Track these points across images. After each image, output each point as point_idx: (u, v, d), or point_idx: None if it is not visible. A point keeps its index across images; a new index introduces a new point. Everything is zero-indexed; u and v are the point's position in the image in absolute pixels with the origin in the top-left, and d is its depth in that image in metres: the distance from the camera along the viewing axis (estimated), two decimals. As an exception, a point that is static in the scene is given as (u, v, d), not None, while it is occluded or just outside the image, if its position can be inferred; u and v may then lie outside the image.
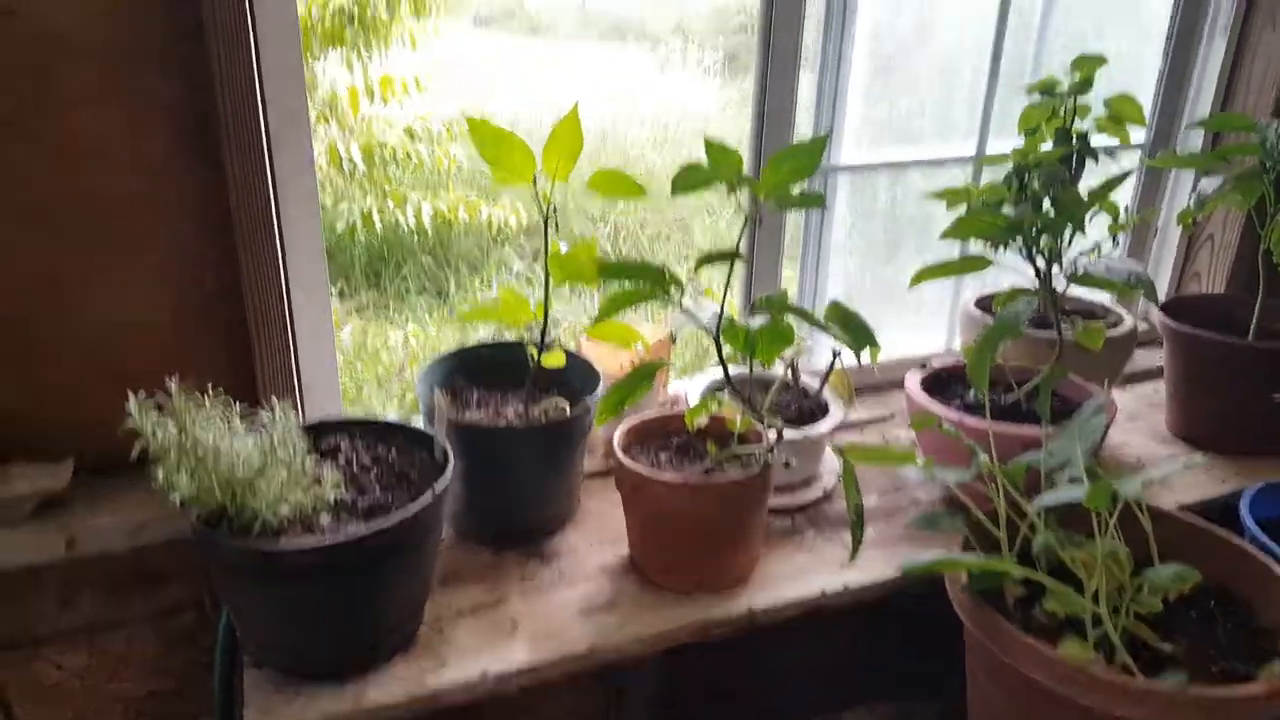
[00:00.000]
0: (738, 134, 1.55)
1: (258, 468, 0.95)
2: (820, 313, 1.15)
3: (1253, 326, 1.54)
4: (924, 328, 1.92)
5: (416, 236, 3.95)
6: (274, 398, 1.03)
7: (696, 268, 1.06)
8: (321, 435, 1.17)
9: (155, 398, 0.94)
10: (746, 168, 1.61)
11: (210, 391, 1.00)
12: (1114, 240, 1.42)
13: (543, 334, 1.27)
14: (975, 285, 1.80)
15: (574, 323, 1.50)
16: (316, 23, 3.36)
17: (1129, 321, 1.58)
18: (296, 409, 1.33)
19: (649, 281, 1.02)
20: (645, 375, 1.11)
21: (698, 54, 8.17)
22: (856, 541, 1.09)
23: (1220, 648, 1.03)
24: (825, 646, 1.64)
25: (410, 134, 3.84)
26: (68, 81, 1.12)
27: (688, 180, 1.08)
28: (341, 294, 3.99)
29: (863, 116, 1.70)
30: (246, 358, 1.26)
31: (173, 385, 0.93)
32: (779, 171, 1.07)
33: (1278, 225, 1.44)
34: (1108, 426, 1.26)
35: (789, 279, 1.98)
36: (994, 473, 1.11)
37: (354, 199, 3.80)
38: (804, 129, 1.63)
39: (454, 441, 1.20)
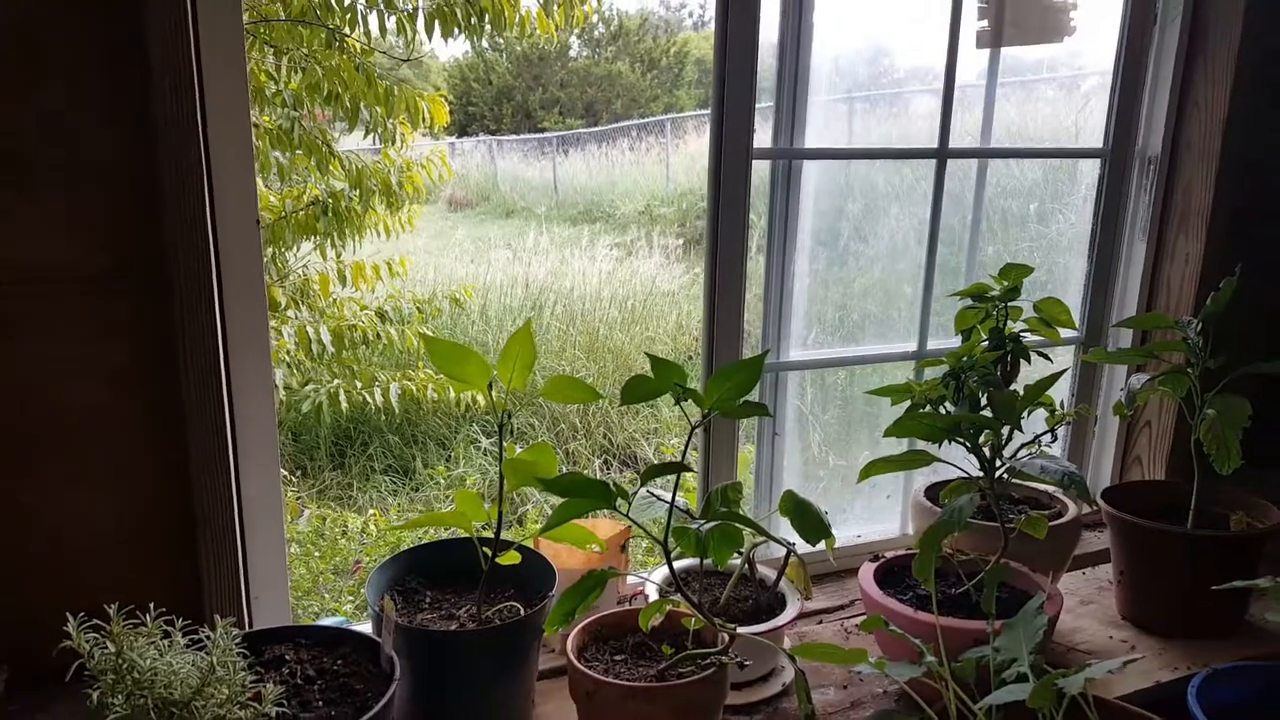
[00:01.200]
0: (699, 313, 1.64)
1: (195, 688, 0.94)
2: (775, 499, 1.19)
3: (1190, 513, 1.59)
4: (880, 515, 1.96)
5: (384, 415, 3.99)
6: (216, 616, 1.02)
7: (644, 481, 1.10)
8: (265, 645, 1.16)
9: (93, 620, 0.94)
10: (700, 372, 1.69)
11: (152, 609, 0.99)
12: (1052, 434, 1.49)
13: (496, 535, 1.28)
14: (926, 472, 1.85)
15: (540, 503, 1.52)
16: (290, 214, 3.52)
17: (1073, 510, 1.63)
18: (244, 616, 1.32)
19: (595, 497, 1.05)
20: (595, 584, 1.13)
21: (662, 238, 8.60)
22: (809, 752, 1.08)
23: None
24: None
25: (381, 316, 3.95)
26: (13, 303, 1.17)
27: (635, 392, 1.14)
28: (304, 472, 3.98)
29: (809, 304, 1.80)
30: (193, 570, 1.27)
31: (112, 610, 0.93)
32: (722, 387, 1.13)
33: (1205, 418, 1.51)
34: (1053, 621, 1.28)
35: (747, 456, 2.03)
36: (942, 674, 1.13)
37: (322, 380, 3.85)
38: (753, 314, 1.72)
39: (404, 647, 1.19)
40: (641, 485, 1.10)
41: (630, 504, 1.09)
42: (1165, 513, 1.60)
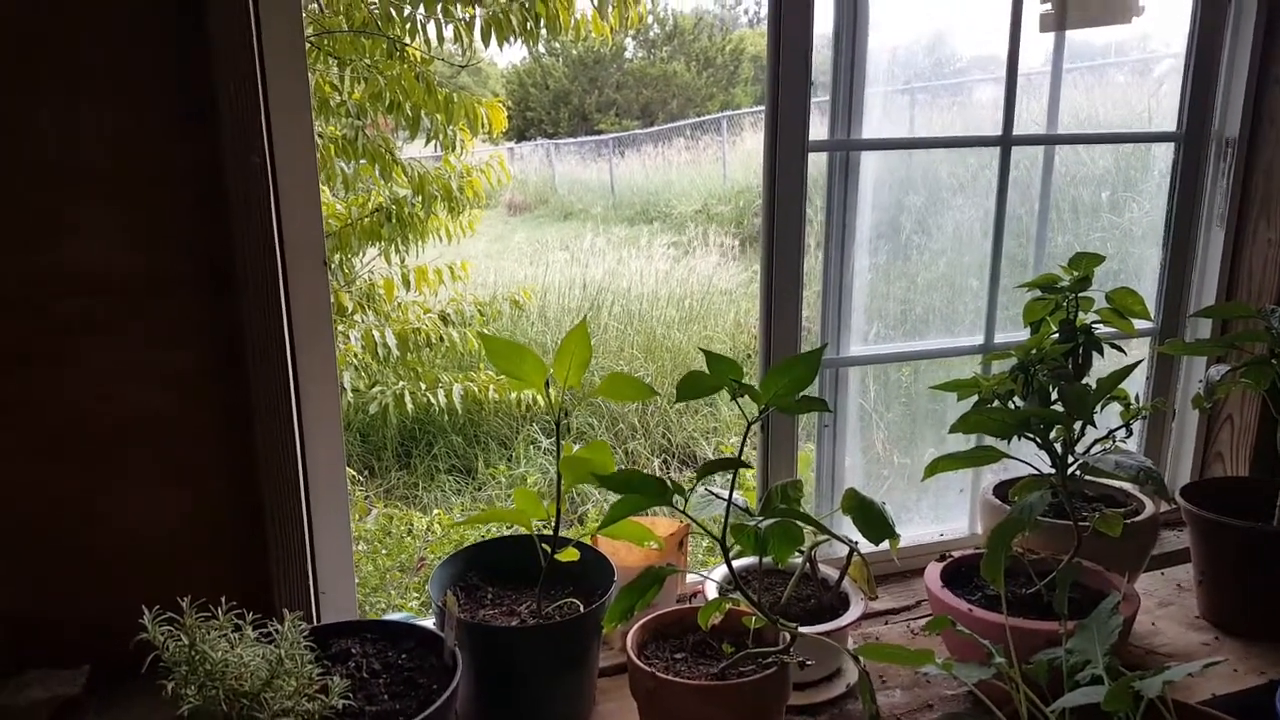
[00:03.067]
0: (757, 311, 1.62)
1: (265, 680, 0.96)
2: (837, 497, 1.17)
3: (1278, 510, 1.52)
4: (946, 514, 1.91)
5: (447, 416, 4.05)
6: (285, 610, 1.04)
7: (699, 477, 1.09)
8: (332, 639, 1.18)
9: (168, 613, 0.97)
10: (757, 368, 1.67)
11: (223, 603, 1.02)
12: (1127, 429, 1.43)
13: (555, 532, 1.29)
14: (996, 469, 1.80)
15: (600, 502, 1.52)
16: (355, 221, 3.60)
17: (1150, 508, 1.57)
18: (311, 610, 1.34)
19: (649, 493, 1.05)
20: (653, 581, 1.12)
21: (720, 236, 8.57)
22: (872, 753, 1.06)
23: None
24: None
25: (443, 319, 4.01)
26: (86, 308, 1.21)
27: (691, 388, 1.13)
28: (371, 471, 4.06)
29: (870, 300, 1.77)
30: (263, 566, 1.29)
31: (185, 604, 0.96)
32: (779, 382, 1.12)
33: (1291, 409, 1.45)
34: (1128, 622, 1.24)
35: (808, 455, 2.00)
36: (1012, 675, 1.09)
37: (388, 383, 3.93)
38: (811, 311, 1.70)
39: (466, 641, 1.20)
40: (698, 482, 1.09)
41: (687, 500, 1.09)
42: (1249, 510, 1.53)
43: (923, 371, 1.89)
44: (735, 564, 1.54)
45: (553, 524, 1.30)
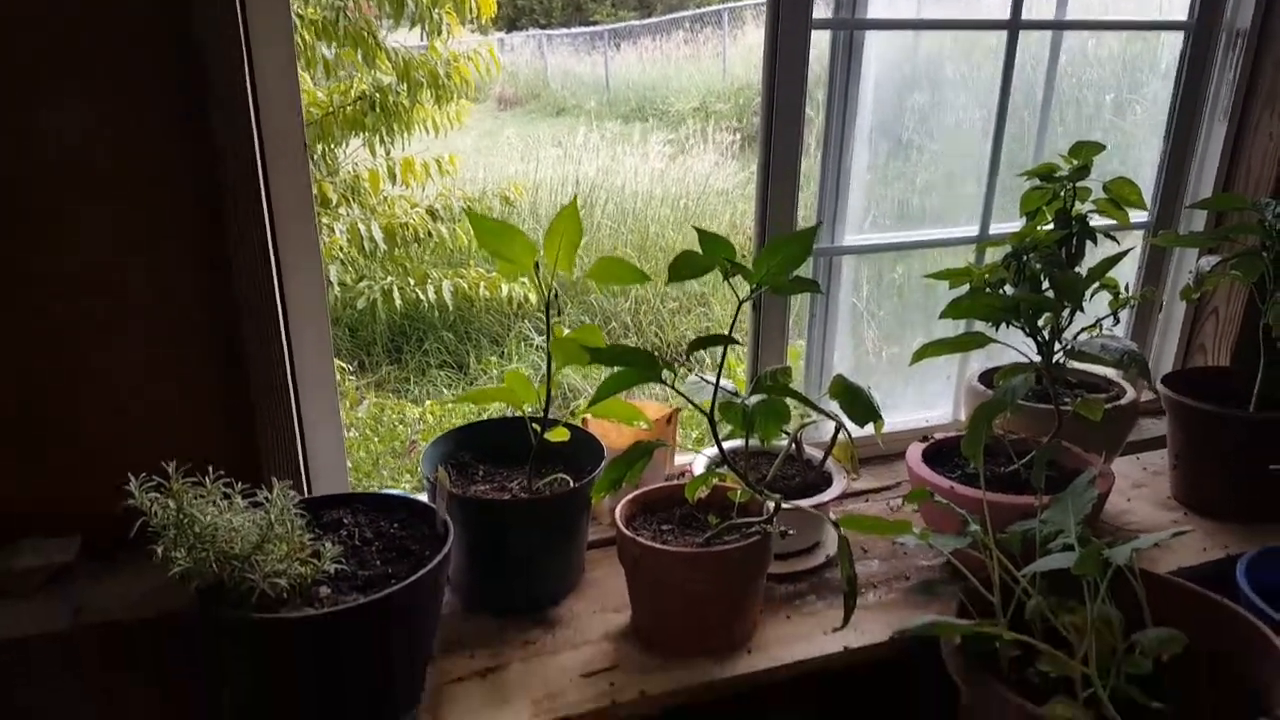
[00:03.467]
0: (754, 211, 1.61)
1: (255, 543, 0.98)
2: (825, 387, 1.18)
3: (1254, 398, 1.54)
4: (931, 401, 1.94)
5: (437, 312, 4.04)
6: (273, 477, 1.06)
7: (689, 352, 1.10)
8: (324, 510, 1.21)
9: (156, 480, 0.98)
10: (754, 249, 1.66)
11: (211, 472, 1.04)
12: (1115, 317, 1.45)
13: (545, 412, 1.31)
14: (981, 358, 1.82)
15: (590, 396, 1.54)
16: (338, 109, 3.50)
17: (1130, 394, 1.60)
18: (303, 485, 1.37)
19: (639, 366, 1.06)
20: (642, 454, 1.14)
21: (718, 134, 8.38)
22: (849, 610, 1.10)
23: (1212, 708, 1.03)
24: (828, 705, 1.63)
25: (432, 214, 3.96)
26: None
27: (684, 268, 1.13)
28: (362, 366, 4.07)
29: (866, 199, 1.75)
30: (250, 439, 1.31)
31: (170, 468, 0.97)
32: (772, 259, 1.11)
33: (1277, 302, 1.46)
34: (1103, 497, 1.27)
35: (796, 351, 2.02)
36: (987, 543, 1.13)
37: (375, 277, 3.90)
38: (808, 211, 1.69)
39: (459, 515, 1.23)
40: (688, 355, 1.10)
41: (676, 375, 1.10)
42: (1227, 398, 1.56)
43: (915, 270, 1.88)
44: (723, 446, 1.58)
45: (543, 406, 1.31)
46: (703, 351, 1.15)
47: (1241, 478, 1.55)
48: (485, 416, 1.51)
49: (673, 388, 1.09)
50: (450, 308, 4.00)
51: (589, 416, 1.52)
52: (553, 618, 1.32)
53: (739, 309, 1.15)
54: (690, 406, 1.22)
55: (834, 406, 1.34)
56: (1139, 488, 1.69)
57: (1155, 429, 1.88)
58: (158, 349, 1.27)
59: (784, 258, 1.12)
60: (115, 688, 1.31)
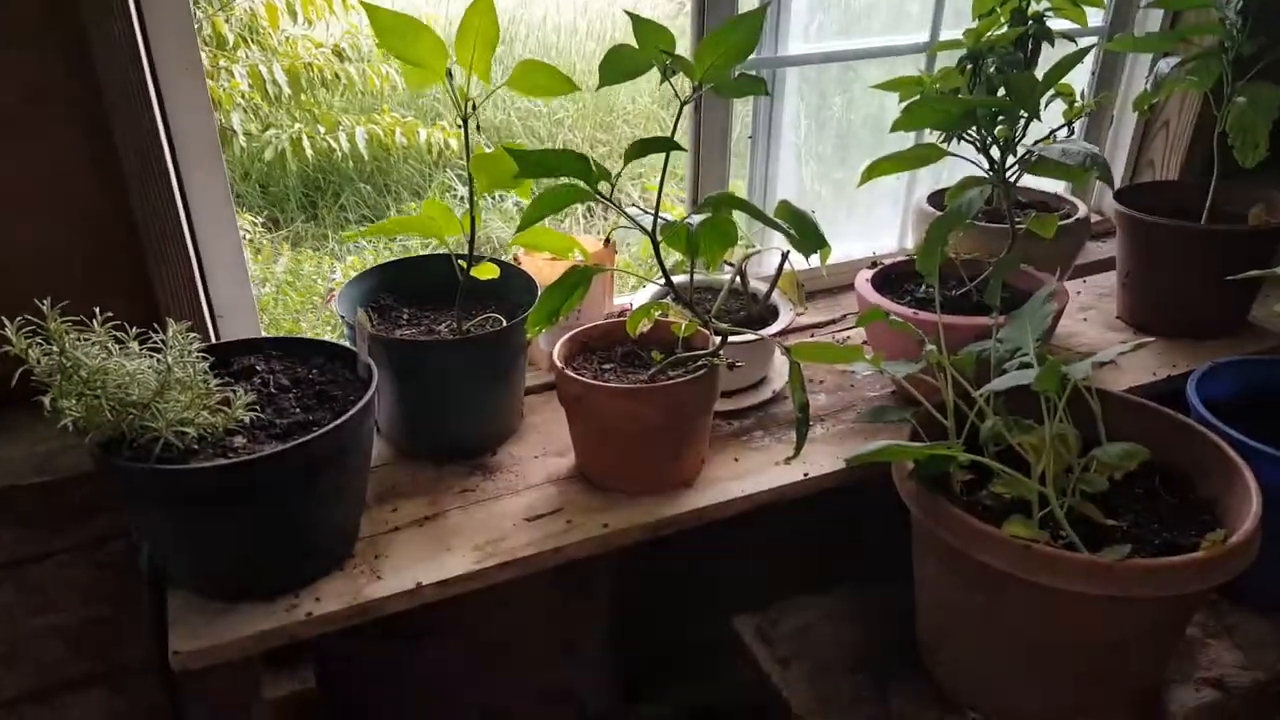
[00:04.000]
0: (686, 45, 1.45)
1: (154, 389, 0.88)
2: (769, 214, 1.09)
3: (1206, 210, 1.51)
4: (876, 232, 1.87)
5: (352, 163, 3.79)
6: (170, 320, 0.94)
7: (627, 159, 0.99)
8: (234, 357, 1.10)
9: (37, 324, 0.86)
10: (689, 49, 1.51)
11: (98, 314, 0.91)
12: (1070, 127, 1.38)
13: (470, 244, 1.19)
14: (929, 185, 1.75)
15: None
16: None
17: (1082, 210, 1.55)
18: (208, 333, 1.25)
19: (573, 174, 0.94)
20: (579, 280, 1.05)
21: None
22: (801, 437, 1.06)
23: (1163, 522, 1.03)
24: (782, 538, 1.64)
25: (338, 54, 3.65)
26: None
27: (617, 65, 1.00)
28: (276, 223, 3.84)
29: (809, 7, 1.61)
30: (146, 284, 1.17)
31: (45, 306, 0.85)
32: (716, 50, 0.99)
33: (1234, 106, 1.40)
34: (1059, 313, 1.23)
35: (737, 189, 1.91)
36: (942, 363, 1.08)
37: (282, 125, 3.62)
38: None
39: (384, 360, 1.13)
40: (625, 164, 0.99)
41: (614, 187, 0.99)
42: (1176, 212, 1.52)
43: (859, 99, 1.76)
44: (668, 272, 1.49)
45: (468, 239, 1.20)
46: (633, 190, 1.04)
47: (1192, 294, 1.53)
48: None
49: (609, 201, 0.98)
50: (366, 157, 3.76)
51: (520, 253, 1.41)
52: (492, 464, 1.25)
53: (679, 113, 1.04)
54: (625, 245, 1.13)
55: (777, 239, 1.26)
56: (1086, 310, 1.67)
57: (1100, 252, 1.85)
58: (26, 173, 1.11)
59: (729, 48, 0.98)
60: (34, 555, 1.23)
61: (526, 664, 1.67)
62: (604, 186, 0.97)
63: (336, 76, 3.63)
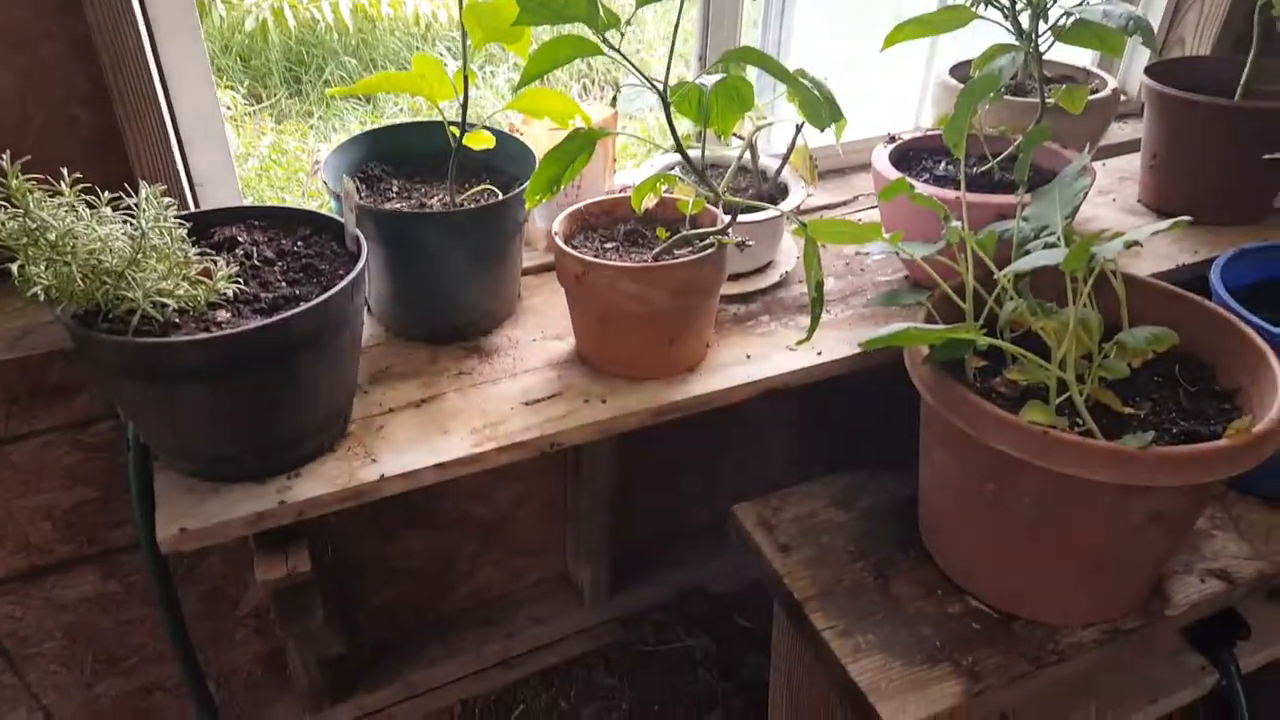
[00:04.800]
0: None
1: (129, 257, 0.82)
2: (780, 90, 1.01)
3: (1240, 87, 1.43)
4: (891, 109, 1.78)
5: (336, 35, 3.61)
6: (144, 183, 0.87)
7: (639, 3, 0.90)
8: (215, 227, 1.03)
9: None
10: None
11: (66, 176, 0.84)
12: (1102, -8, 1.28)
13: (463, 108, 1.11)
14: (948, 61, 1.65)
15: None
16: None
17: (1111, 84, 1.46)
18: (187, 201, 1.18)
19: (579, 18, 0.86)
20: (583, 145, 0.97)
21: None
22: (815, 319, 1.01)
23: (1182, 410, 1.00)
24: (787, 423, 1.62)
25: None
26: None
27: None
28: (259, 99, 3.68)
29: None
30: (118, 146, 1.09)
31: (5, 161, 0.78)
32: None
33: (1280, -28, 1.30)
34: (1086, 191, 1.17)
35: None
36: (966, 240, 1.03)
37: (262, -8, 3.43)
38: None
39: (373, 234, 1.07)
40: (638, 7, 0.90)
41: (623, 35, 0.90)
42: (1208, 89, 1.44)
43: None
44: (666, 160, 1.41)
45: (461, 102, 1.11)
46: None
47: (1222, 176, 1.46)
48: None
49: (618, 54, 0.90)
50: (350, 29, 3.58)
51: (519, 121, 1.33)
52: (489, 346, 1.21)
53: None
54: (627, 119, 1.05)
55: (791, 110, 1.17)
56: (1105, 194, 1.60)
57: (1121, 135, 1.77)
58: None
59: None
60: (18, 435, 1.19)
61: (525, 549, 1.67)
62: (613, 36, 0.89)
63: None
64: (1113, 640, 1.06)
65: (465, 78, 1.07)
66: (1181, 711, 1.40)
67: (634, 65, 0.91)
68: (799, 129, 1.28)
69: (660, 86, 0.95)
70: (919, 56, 1.70)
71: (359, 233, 1.00)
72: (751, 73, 1.63)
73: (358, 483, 0.96)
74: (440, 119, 1.16)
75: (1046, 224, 1.04)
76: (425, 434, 1.04)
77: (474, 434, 1.05)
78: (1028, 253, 1.02)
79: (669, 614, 1.76)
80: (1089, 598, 1.06)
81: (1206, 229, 1.48)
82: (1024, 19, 1.23)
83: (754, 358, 1.18)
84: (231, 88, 3.49)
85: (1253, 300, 1.16)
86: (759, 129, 1.35)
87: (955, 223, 1.03)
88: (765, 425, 1.69)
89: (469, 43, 1.03)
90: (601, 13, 0.85)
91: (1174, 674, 1.39)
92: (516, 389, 1.12)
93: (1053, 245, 1.01)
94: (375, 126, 1.26)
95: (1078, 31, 1.21)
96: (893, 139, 1.38)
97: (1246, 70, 1.42)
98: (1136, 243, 0.96)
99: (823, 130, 1.15)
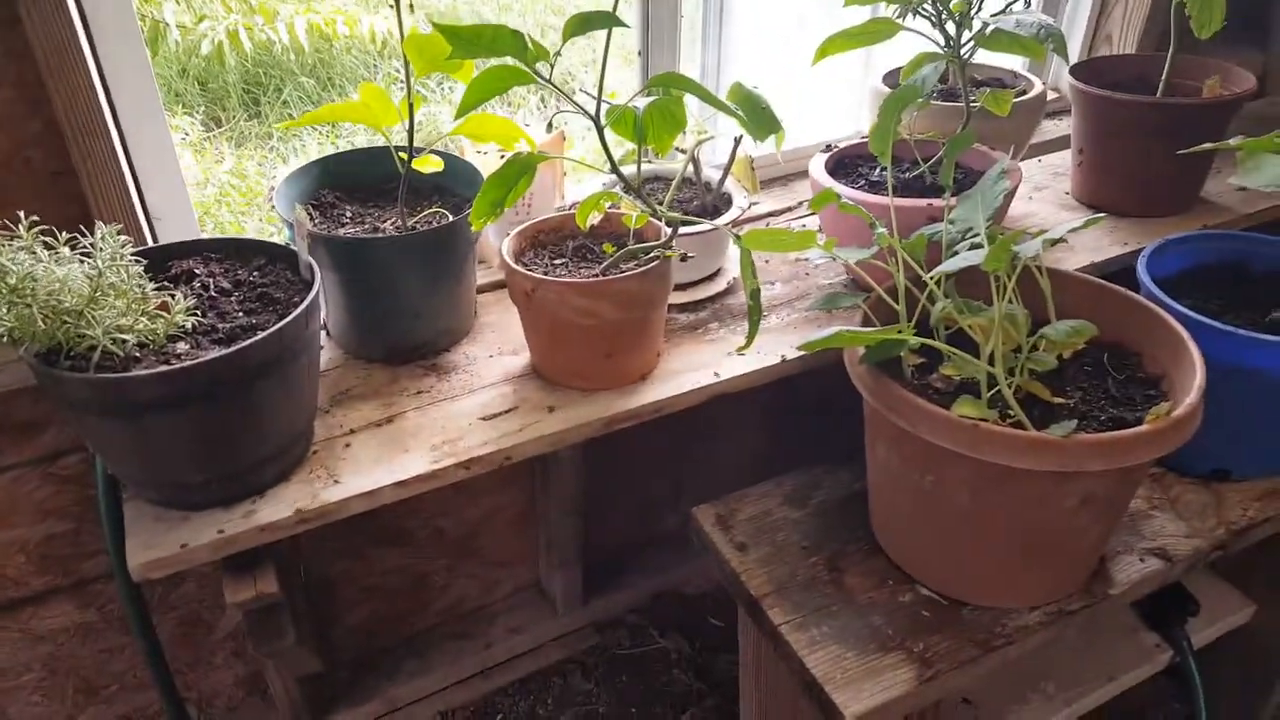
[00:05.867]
0: None
1: (87, 295, 0.85)
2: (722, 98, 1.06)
3: (1161, 84, 1.49)
4: (834, 117, 1.83)
5: (293, 55, 3.62)
6: (100, 223, 0.90)
7: (566, 35, 0.94)
8: (171, 260, 1.06)
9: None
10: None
11: (23, 218, 0.87)
12: (1026, 1, 1.34)
13: (410, 134, 1.15)
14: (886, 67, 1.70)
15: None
16: None
17: (1038, 87, 1.52)
18: (144, 237, 1.21)
19: (509, 52, 0.90)
20: (522, 170, 1.01)
21: None
22: (754, 325, 1.05)
23: (1111, 398, 1.05)
24: (751, 424, 1.67)
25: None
26: None
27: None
28: (218, 122, 3.69)
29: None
30: (75, 192, 1.12)
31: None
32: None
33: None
34: (1011, 192, 1.23)
35: (689, 73, 1.85)
36: (894, 246, 1.08)
37: (217, 17, 3.43)
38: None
39: (330, 259, 1.11)
40: (565, 40, 0.94)
41: (553, 66, 0.95)
42: (1134, 87, 1.50)
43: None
44: (614, 160, 1.45)
45: (408, 126, 1.15)
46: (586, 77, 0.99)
47: (1145, 170, 1.52)
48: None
49: (549, 83, 0.94)
50: (307, 49, 3.59)
51: (467, 144, 1.36)
52: (447, 364, 1.24)
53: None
54: (582, 136, 1.09)
55: (729, 126, 1.22)
56: (1040, 190, 1.66)
57: (1056, 131, 1.84)
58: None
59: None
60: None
61: (498, 561, 1.71)
62: (543, 67, 0.93)
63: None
64: (1058, 621, 1.11)
65: (410, 106, 1.11)
66: (1139, 687, 1.45)
67: (565, 93, 0.95)
68: (738, 141, 1.33)
69: (593, 111, 0.99)
70: (859, 64, 1.75)
71: (312, 260, 1.03)
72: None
73: (320, 504, 1.00)
74: (388, 145, 1.19)
75: (971, 226, 1.09)
76: (387, 453, 1.08)
77: (433, 451, 1.08)
78: (956, 254, 1.07)
79: (643, 617, 1.80)
80: (1032, 581, 1.11)
81: (1138, 221, 1.54)
82: (950, 28, 1.29)
83: (704, 364, 1.22)
84: (189, 113, 3.50)
85: (1179, 287, 1.22)
86: (700, 143, 1.40)
87: (881, 229, 1.08)
88: (729, 427, 1.73)
89: (412, 71, 1.07)
90: (530, 46, 0.89)
91: (1129, 652, 1.45)
92: (474, 405, 1.16)
93: (978, 246, 1.07)
94: (325, 155, 1.30)
95: (998, 39, 1.26)
96: (829, 148, 1.43)
97: (1166, 67, 1.48)
98: (1056, 240, 1.02)
99: (761, 142, 1.19)
